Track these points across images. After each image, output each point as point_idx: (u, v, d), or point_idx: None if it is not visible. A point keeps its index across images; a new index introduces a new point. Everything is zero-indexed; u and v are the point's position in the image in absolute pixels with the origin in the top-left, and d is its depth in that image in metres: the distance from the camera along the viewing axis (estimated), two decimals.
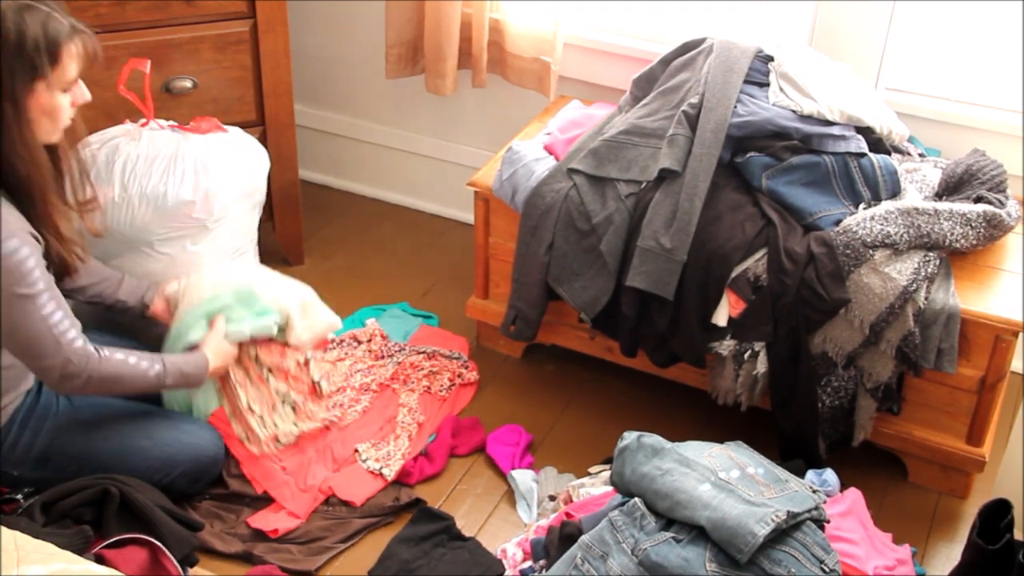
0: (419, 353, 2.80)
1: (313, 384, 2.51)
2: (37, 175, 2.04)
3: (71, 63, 2.02)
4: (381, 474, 2.47)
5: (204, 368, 2.29)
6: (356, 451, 2.52)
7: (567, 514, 2.23)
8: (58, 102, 2.03)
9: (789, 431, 2.45)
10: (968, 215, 2.36)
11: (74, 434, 2.25)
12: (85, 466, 2.23)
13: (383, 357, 2.77)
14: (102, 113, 2.73)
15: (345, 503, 2.41)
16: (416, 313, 3.04)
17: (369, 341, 2.81)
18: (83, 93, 2.10)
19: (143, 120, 2.62)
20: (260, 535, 2.33)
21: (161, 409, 2.40)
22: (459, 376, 2.78)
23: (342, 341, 2.83)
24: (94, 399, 2.28)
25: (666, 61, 2.66)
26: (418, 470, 2.51)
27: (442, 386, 2.74)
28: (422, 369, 2.77)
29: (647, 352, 2.56)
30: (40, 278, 2.03)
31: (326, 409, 2.55)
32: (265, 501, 2.41)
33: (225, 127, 2.68)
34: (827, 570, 1.93)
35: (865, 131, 2.50)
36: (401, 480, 2.49)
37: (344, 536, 2.34)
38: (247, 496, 2.41)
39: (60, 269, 2.17)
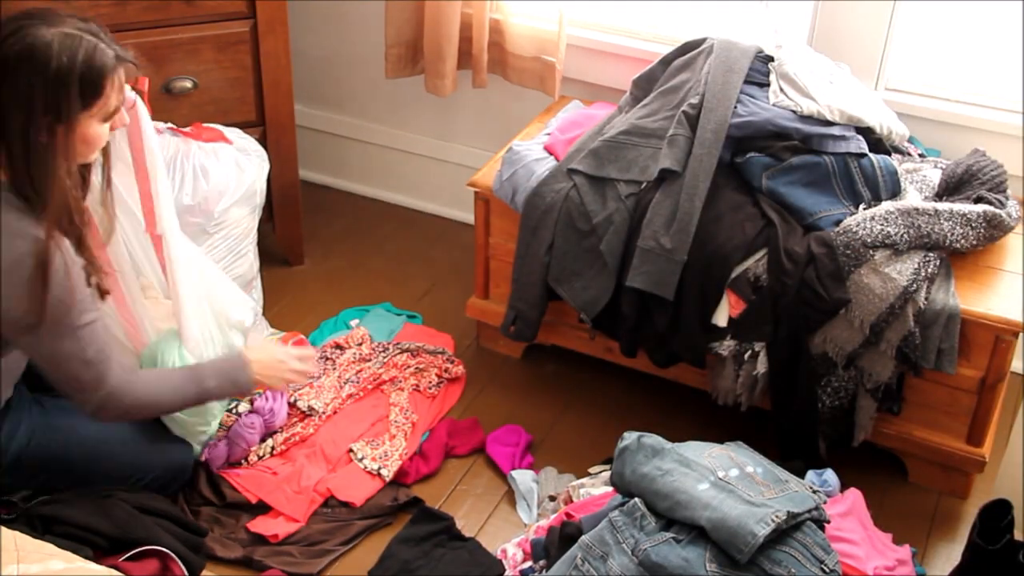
0: (404, 351, 2.80)
1: None
2: (70, 200, 1.95)
3: (113, 94, 1.95)
4: (379, 474, 2.47)
5: (242, 365, 2.23)
6: (351, 451, 2.52)
7: (567, 514, 2.23)
8: (98, 131, 1.96)
9: (789, 431, 2.45)
10: (968, 215, 2.35)
11: (48, 438, 2.19)
12: (55, 473, 2.19)
13: (369, 359, 2.77)
14: None
15: (345, 504, 2.41)
16: (400, 312, 3.04)
17: (360, 345, 2.80)
18: (123, 118, 2.03)
19: None
20: (260, 539, 2.33)
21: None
22: (446, 371, 2.78)
23: (324, 350, 2.80)
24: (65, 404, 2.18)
25: (666, 61, 2.66)
26: (414, 470, 2.51)
27: (431, 383, 2.74)
28: (408, 367, 2.76)
29: (647, 352, 2.55)
30: (90, 307, 1.97)
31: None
32: (264, 508, 2.40)
33: (229, 138, 2.66)
34: (827, 570, 1.93)
35: (865, 131, 2.50)
36: (397, 480, 2.49)
37: (345, 539, 2.34)
38: (245, 504, 2.40)
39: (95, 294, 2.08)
